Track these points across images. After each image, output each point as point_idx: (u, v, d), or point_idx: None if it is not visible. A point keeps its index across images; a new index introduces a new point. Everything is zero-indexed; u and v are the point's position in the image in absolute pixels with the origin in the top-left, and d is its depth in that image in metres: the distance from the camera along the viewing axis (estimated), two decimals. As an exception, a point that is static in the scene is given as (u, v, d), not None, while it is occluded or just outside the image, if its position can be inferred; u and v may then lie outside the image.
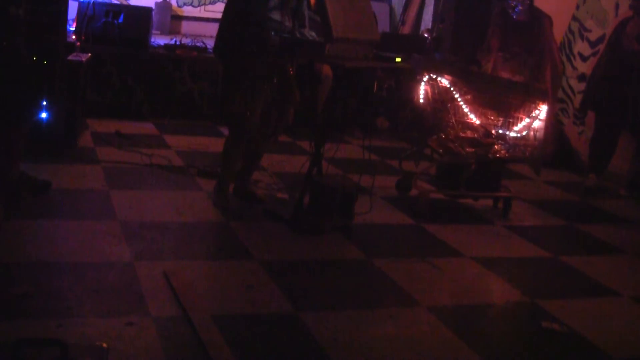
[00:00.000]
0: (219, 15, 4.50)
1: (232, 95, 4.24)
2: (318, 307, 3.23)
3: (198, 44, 7.01)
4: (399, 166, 5.30)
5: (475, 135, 4.95)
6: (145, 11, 6.83)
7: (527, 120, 4.81)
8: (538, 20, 5.17)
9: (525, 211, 5.19)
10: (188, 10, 8.82)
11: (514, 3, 5.16)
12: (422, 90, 4.97)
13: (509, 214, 4.98)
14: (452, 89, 4.85)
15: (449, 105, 4.88)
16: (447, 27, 7.32)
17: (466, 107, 4.86)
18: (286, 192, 4.85)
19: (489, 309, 3.53)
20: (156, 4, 8.26)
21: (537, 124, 4.80)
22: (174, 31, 8.49)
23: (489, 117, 4.88)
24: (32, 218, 3.85)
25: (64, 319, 2.81)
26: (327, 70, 5.09)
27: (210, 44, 5.80)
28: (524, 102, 4.81)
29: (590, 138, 6.20)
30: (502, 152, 4.90)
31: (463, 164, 4.84)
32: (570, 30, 7.00)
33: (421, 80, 4.97)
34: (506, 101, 4.85)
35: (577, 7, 6.94)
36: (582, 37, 6.88)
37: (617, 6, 6.48)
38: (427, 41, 7.55)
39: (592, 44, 6.72)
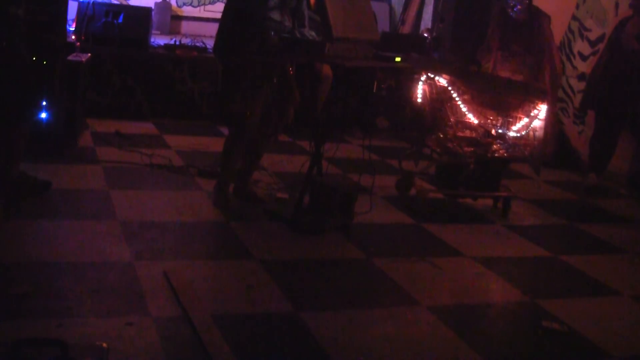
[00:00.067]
0: (219, 15, 4.50)
1: (232, 95, 4.24)
2: (318, 307, 3.23)
3: (198, 44, 7.01)
4: (398, 166, 5.30)
5: (474, 135, 4.95)
6: (145, 11, 6.84)
7: (527, 119, 4.82)
8: (537, 19, 5.17)
9: (525, 211, 5.19)
10: (188, 10, 8.83)
11: (513, 2, 5.15)
12: (420, 89, 4.97)
13: (509, 213, 4.98)
14: (449, 88, 4.85)
15: (447, 104, 4.88)
16: (447, 26, 7.32)
17: (464, 106, 4.86)
18: (286, 192, 4.85)
19: (489, 309, 3.53)
20: (156, 4, 8.27)
21: (536, 123, 4.81)
22: (173, 31, 8.50)
23: (488, 116, 4.88)
24: (32, 218, 3.85)
25: (64, 318, 2.81)
26: (327, 70, 5.08)
27: (210, 43, 5.80)
28: (523, 101, 4.82)
29: (590, 137, 6.20)
30: (501, 151, 4.90)
31: (461, 163, 4.84)
32: (570, 29, 7.00)
33: (419, 79, 4.97)
34: (505, 101, 4.85)
35: (577, 7, 6.94)
36: (582, 36, 6.88)
37: (617, 5, 6.48)
38: (427, 41, 7.56)
39: (592, 44, 6.73)
